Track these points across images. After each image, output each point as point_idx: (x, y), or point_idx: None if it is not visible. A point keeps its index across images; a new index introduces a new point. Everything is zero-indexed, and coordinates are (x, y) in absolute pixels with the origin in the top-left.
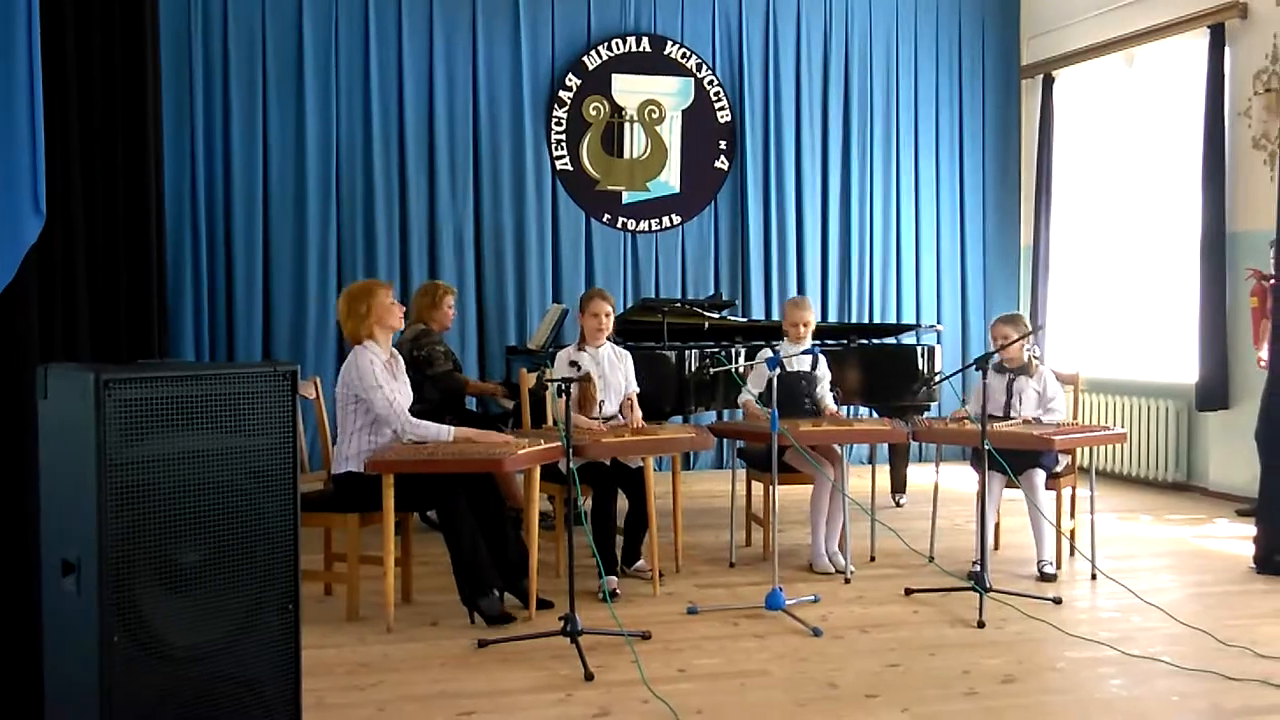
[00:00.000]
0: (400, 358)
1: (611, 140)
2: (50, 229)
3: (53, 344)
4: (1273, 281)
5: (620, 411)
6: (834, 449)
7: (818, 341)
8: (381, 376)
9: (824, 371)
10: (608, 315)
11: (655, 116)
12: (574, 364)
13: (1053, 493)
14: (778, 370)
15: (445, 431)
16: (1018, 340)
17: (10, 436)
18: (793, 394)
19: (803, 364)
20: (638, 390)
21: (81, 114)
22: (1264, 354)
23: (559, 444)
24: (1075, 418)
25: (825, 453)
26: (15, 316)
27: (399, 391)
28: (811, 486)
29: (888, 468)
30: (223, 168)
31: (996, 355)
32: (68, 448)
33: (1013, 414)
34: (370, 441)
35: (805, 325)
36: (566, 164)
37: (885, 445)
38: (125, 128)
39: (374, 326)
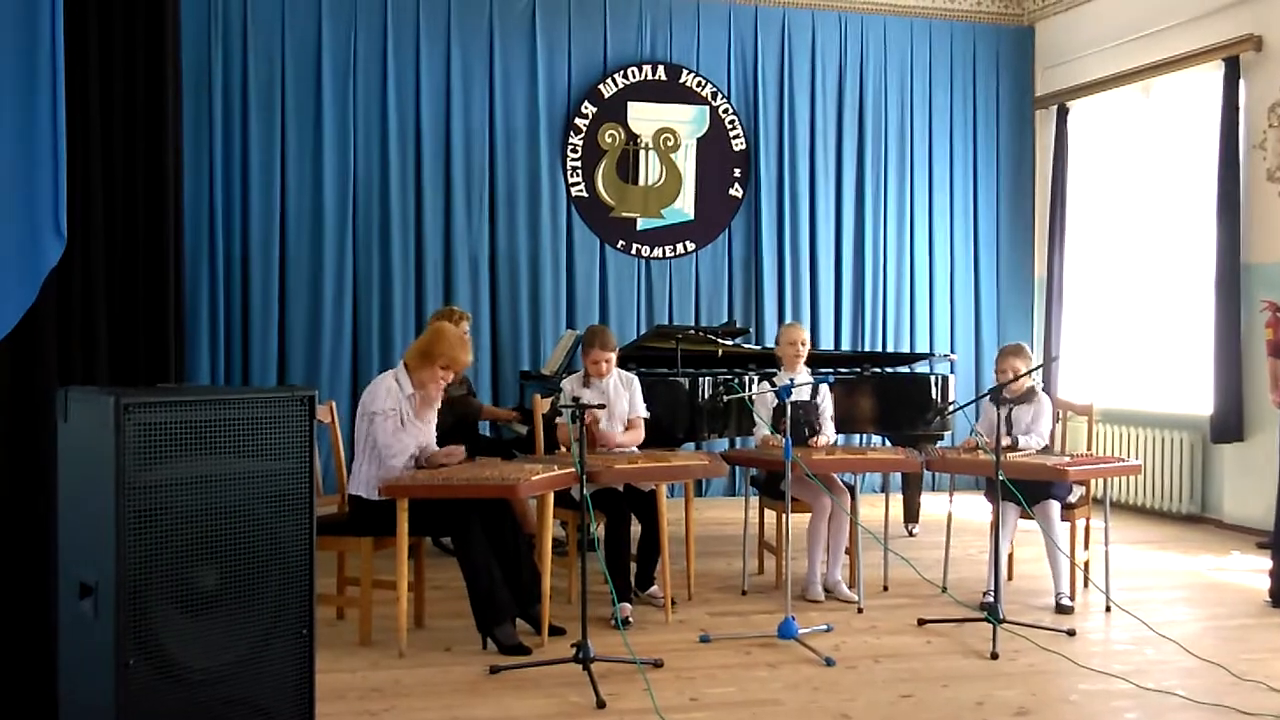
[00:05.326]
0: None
1: (626, 167)
2: (70, 252)
3: (72, 366)
4: None
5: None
6: (836, 480)
7: (830, 370)
8: (392, 407)
9: (826, 403)
10: (608, 363)
11: (670, 144)
12: (576, 399)
13: (1067, 524)
14: (790, 398)
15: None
16: (1028, 374)
17: (30, 458)
18: (792, 423)
19: (803, 394)
20: (645, 415)
21: (103, 139)
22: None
23: (572, 470)
24: (1090, 448)
25: (829, 482)
26: (36, 338)
27: (419, 430)
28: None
29: (901, 497)
30: (240, 192)
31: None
32: (87, 470)
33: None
34: (380, 467)
35: (804, 344)
36: (581, 190)
37: (899, 474)
38: (145, 153)
39: (419, 370)
